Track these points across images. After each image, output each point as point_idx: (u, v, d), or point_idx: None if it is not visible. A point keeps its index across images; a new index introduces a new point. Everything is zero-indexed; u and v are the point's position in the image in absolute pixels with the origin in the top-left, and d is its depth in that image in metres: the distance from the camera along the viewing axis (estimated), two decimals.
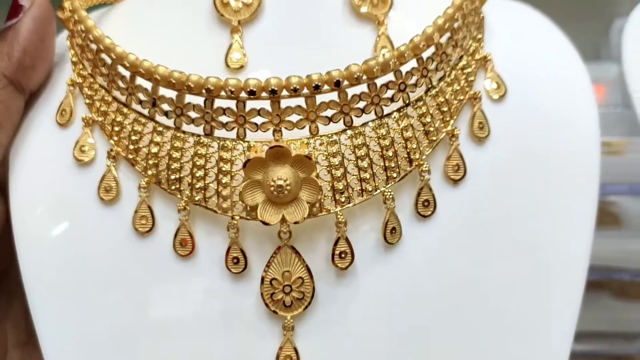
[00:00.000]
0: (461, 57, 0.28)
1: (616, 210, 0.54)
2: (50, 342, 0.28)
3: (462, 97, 0.28)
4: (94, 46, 0.27)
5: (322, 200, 0.26)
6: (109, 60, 0.27)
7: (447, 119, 0.27)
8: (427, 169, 0.26)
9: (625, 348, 0.52)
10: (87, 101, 0.29)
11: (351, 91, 0.25)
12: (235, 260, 0.26)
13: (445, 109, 0.27)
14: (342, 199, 0.26)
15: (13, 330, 0.34)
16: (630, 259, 0.50)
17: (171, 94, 0.25)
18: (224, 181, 0.26)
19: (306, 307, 0.26)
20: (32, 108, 0.31)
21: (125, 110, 0.27)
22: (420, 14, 0.29)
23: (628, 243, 0.51)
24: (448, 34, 0.27)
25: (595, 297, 0.51)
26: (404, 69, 0.26)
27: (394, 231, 0.26)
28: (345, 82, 0.24)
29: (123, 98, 0.27)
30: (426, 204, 0.27)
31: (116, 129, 0.28)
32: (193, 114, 0.25)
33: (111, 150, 0.28)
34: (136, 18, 0.31)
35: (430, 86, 0.27)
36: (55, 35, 0.32)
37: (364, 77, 0.25)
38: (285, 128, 0.25)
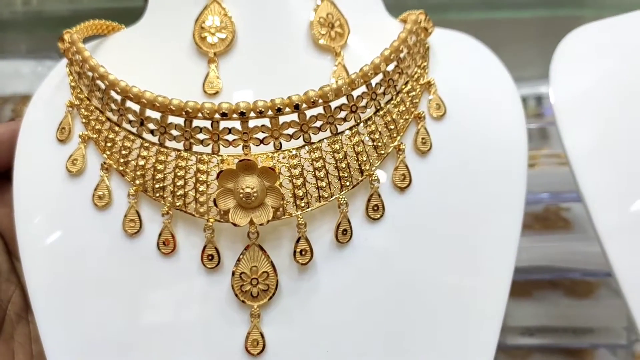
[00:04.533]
0: (407, 82, 0.32)
1: (568, 215, 0.58)
2: (50, 338, 0.31)
3: (407, 117, 0.32)
4: (90, 74, 0.32)
5: (285, 205, 0.30)
6: (103, 86, 0.31)
7: (394, 135, 0.32)
8: (376, 178, 0.31)
9: (574, 342, 0.56)
10: (84, 120, 0.33)
11: (309, 112, 0.29)
12: (210, 257, 0.30)
13: (393, 127, 0.31)
14: (302, 204, 0.30)
15: (20, 349, 0.37)
16: (580, 260, 0.55)
17: (156, 115, 0.30)
18: (201, 189, 0.30)
19: (271, 297, 0.30)
20: (33, 126, 0.35)
21: (116, 128, 0.31)
22: (372, 46, 0.33)
23: (578, 245, 0.55)
24: (395, 63, 0.31)
25: (549, 295, 0.55)
26: (356, 93, 0.30)
27: (345, 232, 0.30)
28: (304, 105, 0.29)
29: (115, 118, 0.31)
30: (376, 208, 0.31)
31: (109, 144, 0.32)
32: (175, 132, 0.30)
33: (104, 163, 0.32)
34: (126, 49, 0.35)
35: (379, 107, 0.31)
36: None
37: (320, 100, 0.29)
38: (253, 144, 0.29)
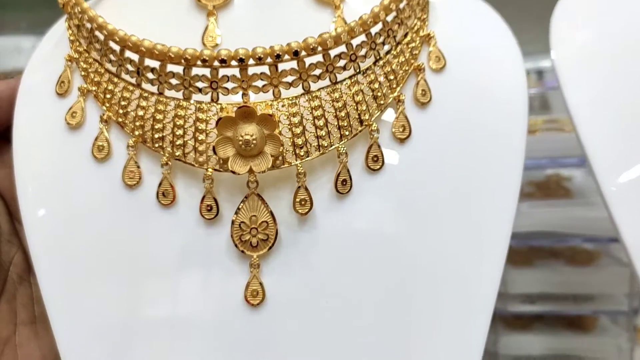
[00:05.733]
0: (406, 34, 0.32)
1: (569, 185, 0.58)
2: (52, 299, 0.31)
3: (407, 68, 0.32)
4: (89, 25, 0.32)
5: (284, 154, 0.30)
6: (101, 37, 0.31)
7: (394, 86, 0.31)
8: (375, 128, 0.31)
9: (575, 309, 0.56)
10: (83, 73, 0.33)
11: (308, 60, 0.29)
12: (209, 208, 0.30)
13: (392, 77, 0.31)
14: (302, 153, 0.30)
15: (22, 309, 0.37)
16: (581, 225, 0.54)
17: (155, 64, 0.29)
18: (200, 138, 0.30)
19: (270, 247, 0.30)
20: (32, 82, 0.35)
21: (115, 79, 0.31)
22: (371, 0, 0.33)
23: (579, 211, 0.55)
24: (394, 13, 0.31)
25: (550, 264, 0.55)
26: (355, 42, 0.30)
27: (345, 182, 0.30)
28: (303, 52, 0.29)
29: (114, 69, 0.31)
30: (375, 159, 0.31)
31: (108, 96, 0.32)
32: (174, 81, 0.30)
33: (103, 114, 0.32)
34: (125, 4, 0.35)
35: (378, 57, 0.31)
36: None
37: (319, 48, 0.29)
38: (252, 92, 0.29)
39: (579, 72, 0.35)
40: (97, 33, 0.31)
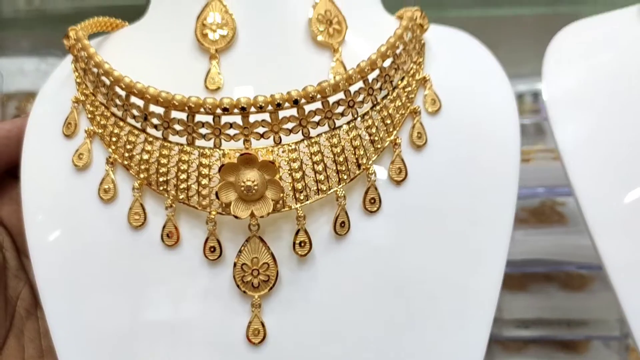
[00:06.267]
0: (403, 78, 0.33)
1: (563, 209, 0.59)
2: (59, 333, 0.32)
3: (403, 112, 0.33)
4: (95, 70, 0.32)
5: (285, 198, 0.31)
6: (107, 82, 0.32)
7: (391, 130, 0.32)
8: (373, 171, 0.32)
9: (569, 334, 0.57)
10: (89, 116, 0.34)
11: (308, 107, 0.30)
12: (212, 249, 0.31)
13: (389, 121, 0.32)
14: (302, 197, 0.31)
15: (30, 343, 0.38)
16: (574, 253, 0.55)
17: (159, 110, 0.31)
18: (203, 183, 0.31)
19: (271, 288, 0.31)
20: (40, 122, 0.36)
21: (121, 123, 0.32)
22: (370, 42, 0.34)
23: (573, 239, 0.56)
24: (391, 59, 0.32)
25: (544, 288, 0.56)
26: (353, 88, 0.31)
27: (343, 224, 0.31)
28: (303, 100, 0.30)
29: (120, 113, 0.32)
30: (372, 201, 0.32)
31: (114, 139, 0.33)
32: (178, 127, 0.31)
33: (109, 157, 0.33)
34: (130, 46, 0.36)
35: (375, 102, 0.32)
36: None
37: (318, 96, 0.30)
38: (254, 138, 0.30)
39: (568, 110, 0.36)
40: (103, 78, 0.32)
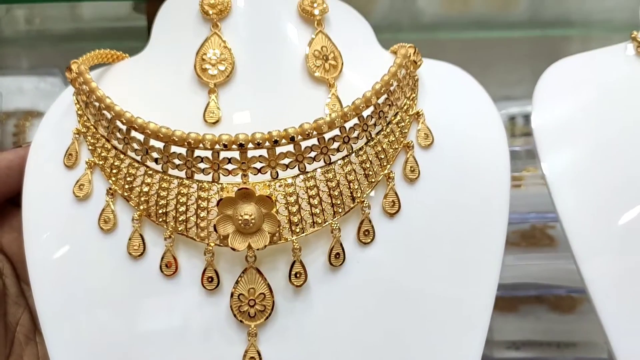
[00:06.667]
0: (396, 114, 0.34)
1: (553, 233, 0.60)
2: (57, 355, 0.32)
3: (397, 146, 0.34)
4: (96, 104, 0.33)
5: (281, 231, 0.32)
6: (109, 116, 0.33)
7: (385, 164, 0.33)
8: (367, 204, 0.33)
9: (558, 356, 0.58)
10: (90, 147, 0.35)
11: (304, 143, 0.31)
12: (210, 279, 0.32)
13: (383, 156, 0.33)
14: (297, 230, 0.32)
15: None
16: (564, 277, 0.57)
17: (159, 144, 0.31)
18: (201, 215, 0.32)
19: (267, 317, 0.31)
20: (41, 152, 0.37)
21: (122, 156, 0.33)
22: (365, 77, 0.35)
23: (563, 263, 0.57)
24: (385, 96, 0.33)
25: (534, 310, 0.57)
26: (348, 125, 0.32)
27: (338, 256, 0.32)
28: (299, 137, 0.31)
29: (120, 146, 0.33)
30: (367, 233, 0.33)
31: (114, 171, 0.33)
32: (177, 161, 0.31)
33: (110, 188, 0.33)
34: (130, 78, 0.37)
35: (370, 138, 0.33)
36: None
37: (315, 132, 0.31)
38: (251, 173, 0.31)
39: (555, 142, 0.37)
40: (104, 112, 0.33)
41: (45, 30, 0.77)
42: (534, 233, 0.56)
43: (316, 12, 0.37)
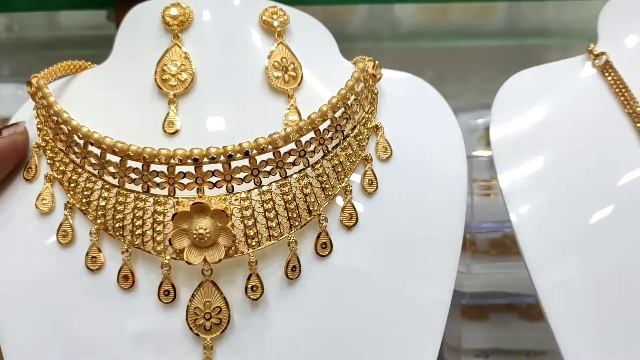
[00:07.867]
0: (354, 127, 0.35)
1: None
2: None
3: (354, 159, 0.34)
4: (55, 118, 0.33)
5: (237, 244, 0.32)
6: (66, 130, 0.33)
7: (342, 177, 0.34)
8: (324, 218, 0.33)
9: None
10: (49, 161, 0.35)
11: (260, 158, 0.31)
12: (166, 293, 0.32)
13: (340, 169, 0.33)
14: (254, 243, 0.32)
15: None
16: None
17: (116, 159, 0.32)
18: (158, 229, 0.32)
19: (223, 330, 0.31)
20: None
21: (79, 170, 0.33)
22: (325, 88, 0.36)
23: None
24: (342, 109, 0.33)
25: (503, 318, 0.57)
26: (304, 139, 0.32)
27: (294, 269, 0.32)
28: (254, 152, 0.31)
29: (78, 160, 0.33)
30: (324, 246, 0.33)
31: (72, 185, 0.34)
32: (133, 175, 0.32)
33: (68, 202, 0.33)
34: (92, 88, 0.37)
35: (326, 152, 0.33)
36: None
37: (270, 147, 0.31)
38: (207, 187, 0.31)
39: (512, 155, 0.38)
40: (62, 126, 0.33)
41: (24, 37, 0.77)
42: (504, 241, 0.56)
43: (276, 23, 0.37)
